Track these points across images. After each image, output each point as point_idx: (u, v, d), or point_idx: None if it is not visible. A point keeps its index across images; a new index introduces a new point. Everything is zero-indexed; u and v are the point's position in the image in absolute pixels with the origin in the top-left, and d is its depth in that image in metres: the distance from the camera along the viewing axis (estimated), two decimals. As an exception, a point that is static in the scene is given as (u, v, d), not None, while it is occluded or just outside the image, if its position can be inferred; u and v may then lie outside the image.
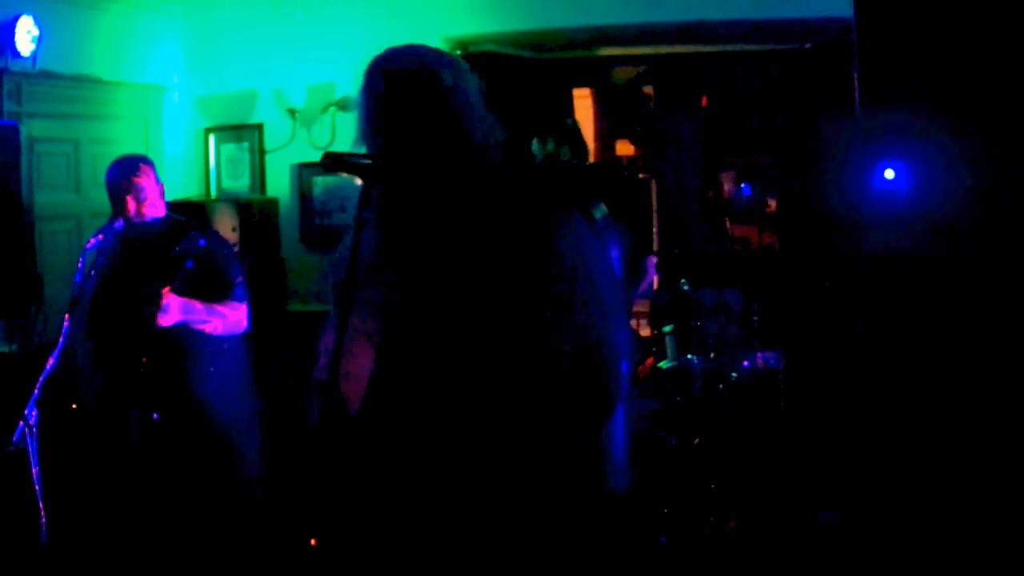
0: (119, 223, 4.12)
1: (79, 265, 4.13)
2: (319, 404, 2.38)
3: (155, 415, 3.93)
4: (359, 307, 2.20)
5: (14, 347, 5.19)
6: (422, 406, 2.23)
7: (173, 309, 3.88)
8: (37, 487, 3.93)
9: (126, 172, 4.10)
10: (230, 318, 4.10)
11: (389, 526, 2.27)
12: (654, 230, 8.19)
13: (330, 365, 2.13)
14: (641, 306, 5.97)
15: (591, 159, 9.41)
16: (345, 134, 6.53)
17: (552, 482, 2.23)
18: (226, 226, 6.11)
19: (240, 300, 4.14)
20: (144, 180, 4.10)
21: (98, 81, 6.22)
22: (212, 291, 4.06)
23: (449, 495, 2.22)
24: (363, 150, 2.29)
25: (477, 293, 2.21)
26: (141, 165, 4.14)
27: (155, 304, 3.85)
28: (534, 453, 2.21)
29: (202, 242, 3.98)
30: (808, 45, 6.66)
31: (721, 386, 5.24)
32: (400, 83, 2.25)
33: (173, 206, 4.52)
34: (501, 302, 2.20)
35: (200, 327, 4.01)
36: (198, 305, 3.98)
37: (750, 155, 8.53)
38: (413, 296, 2.25)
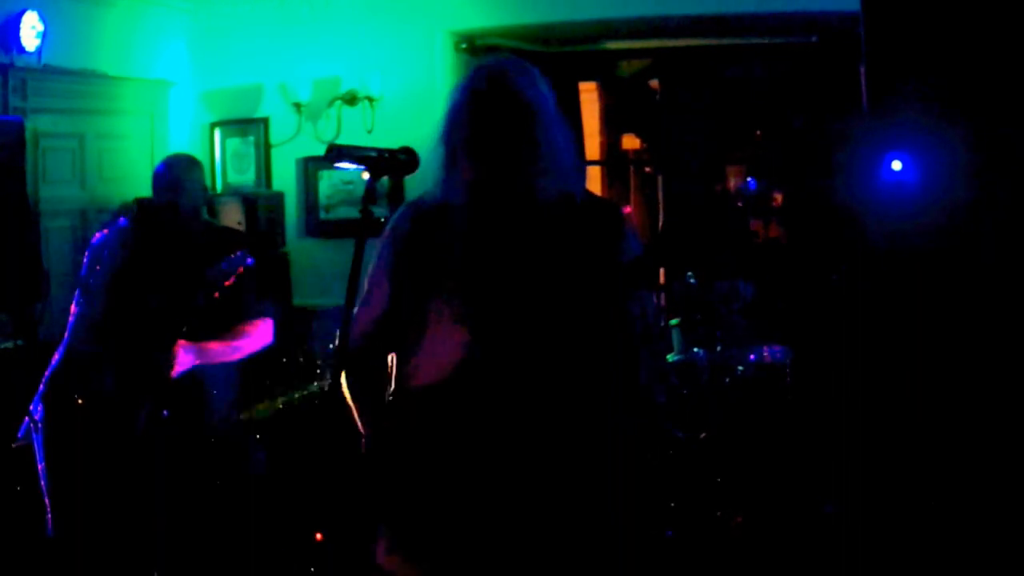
0: (123, 220, 4.11)
1: (84, 260, 4.12)
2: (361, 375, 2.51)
3: (165, 412, 3.92)
4: (449, 293, 2.38)
5: (19, 342, 5.19)
6: (517, 388, 2.36)
7: (186, 358, 3.83)
8: (43, 482, 3.93)
9: (168, 173, 4.04)
10: (254, 339, 4.05)
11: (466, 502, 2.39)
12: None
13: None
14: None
15: (596, 154, 9.40)
16: (350, 128, 6.53)
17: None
18: (232, 220, 6.12)
19: (268, 315, 4.09)
20: (181, 184, 4.04)
21: (103, 76, 6.21)
22: (241, 310, 4.01)
23: (536, 471, 2.36)
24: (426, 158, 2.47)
25: (563, 280, 2.37)
26: (183, 165, 4.07)
27: (169, 355, 3.81)
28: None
29: (250, 261, 3.94)
30: (815, 38, 6.64)
31: (728, 380, 5.23)
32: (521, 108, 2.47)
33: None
34: (584, 287, 2.36)
35: (220, 360, 3.96)
36: (214, 347, 3.93)
37: (757, 148, 8.51)
38: (505, 287, 2.38)
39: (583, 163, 7.89)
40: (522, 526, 2.35)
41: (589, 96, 8.94)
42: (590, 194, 2.62)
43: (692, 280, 5.65)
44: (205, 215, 4.21)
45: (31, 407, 3.95)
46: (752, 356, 5.33)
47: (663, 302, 6.01)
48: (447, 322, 2.39)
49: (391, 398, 2.52)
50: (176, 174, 4.04)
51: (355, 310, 2.53)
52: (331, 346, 5.36)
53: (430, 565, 2.40)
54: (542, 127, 2.45)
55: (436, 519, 2.39)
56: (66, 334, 4.06)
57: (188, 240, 4.04)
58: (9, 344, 5.18)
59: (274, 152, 6.86)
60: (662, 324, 5.51)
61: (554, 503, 2.36)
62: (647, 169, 9.59)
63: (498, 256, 2.39)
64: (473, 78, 2.51)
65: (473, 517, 2.36)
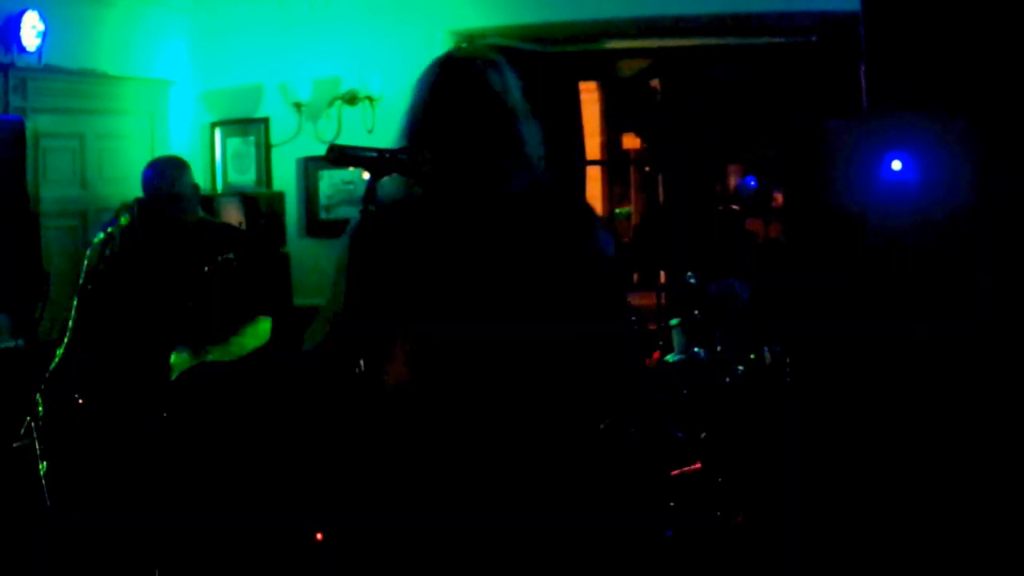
0: (124, 219, 4.11)
1: (84, 260, 4.12)
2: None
3: (164, 412, 3.93)
4: (413, 292, 2.31)
5: (20, 342, 5.19)
6: (489, 388, 2.31)
7: (186, 358, 3.84)
8: (43, 482, 3.93)
9: (161, 184, 4.05)
10: (254, 337, 4.06)
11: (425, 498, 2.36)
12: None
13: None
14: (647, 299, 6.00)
15: (597, 154, 9.41)
16: (351, 128, 6.53)
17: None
18: (232, 220, 6.12)
19: (266, 314, 4.09)
20: (179, 197, 4.04)
21: (104, 76, 6.21)
22: (238, 310, 4.01)
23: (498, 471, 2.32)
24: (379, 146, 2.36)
25: (527, 277, 2.30)
26: (172, 178, 4.08)
27: (169, 355, 3.82)
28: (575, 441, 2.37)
29: (233, 261, 3.95)
30: (815, 38, 6.64)
31: (728, 379, 5.23)
32: (454, 87, 2.35)
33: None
34: (548, 284, 2.29)
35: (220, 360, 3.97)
36: (214, 347, 3.93)
37: (757, 148, 8.50)
38: (469, 284, 2.32)
39: (583, 162, 7.89)
40: (507, 523, 2.33)
41: (589, 96, 8.94)
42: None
43: (692, 280, 5.65)
44: (201, 212, 4.22)
45: (32, 407, 3.95)
46: (752, 356, 5.33)
47: (663, 302, 6.01)
48: (414, 323, 2.34)
49: (366, 398, 2.48)
50: (165, 175, 4.06)
51: (331, 313, 2.51)
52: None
53: (419, 556, 2.38)
54: (506, 119, 2.35)
55: (417, 514, 2.38)
56: (66, 334, 4.06)
57: (187, 238, 4.05)
58: (9, 344, 5.19)
59: (274, 152, 6.86)
60: (639, 327, 5.51)
61: (541, 500, 2.33)
62: (647, 169, 9.60)
63: (460, 252, 2.33)
64: (435, 68, 2.41)
65: (455, 513, 2.35)
